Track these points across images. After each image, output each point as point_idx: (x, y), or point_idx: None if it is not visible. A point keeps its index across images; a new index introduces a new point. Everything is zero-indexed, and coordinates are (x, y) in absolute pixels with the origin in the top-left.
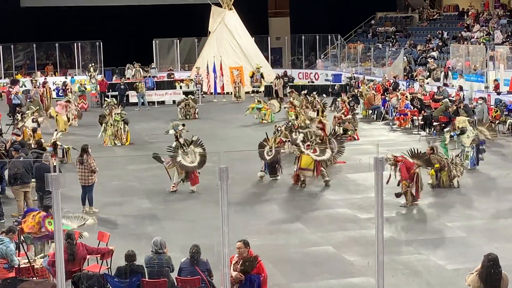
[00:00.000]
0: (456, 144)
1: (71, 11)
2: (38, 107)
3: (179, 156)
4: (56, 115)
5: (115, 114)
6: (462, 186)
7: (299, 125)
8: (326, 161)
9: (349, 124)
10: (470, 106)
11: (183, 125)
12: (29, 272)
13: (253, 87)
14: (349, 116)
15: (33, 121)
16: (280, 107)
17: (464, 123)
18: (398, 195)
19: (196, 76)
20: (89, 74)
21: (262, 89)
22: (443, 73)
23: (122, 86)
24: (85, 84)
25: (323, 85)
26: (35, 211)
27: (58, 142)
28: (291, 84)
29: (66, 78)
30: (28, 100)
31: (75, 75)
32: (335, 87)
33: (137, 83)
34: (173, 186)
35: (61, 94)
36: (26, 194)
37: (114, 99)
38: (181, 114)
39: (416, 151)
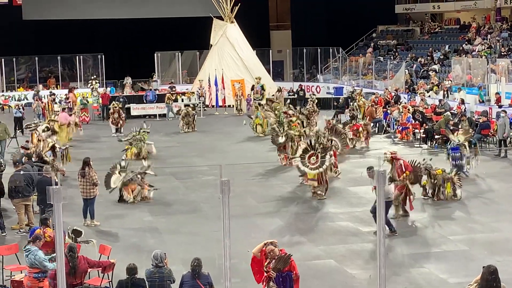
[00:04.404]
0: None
1: (73, 24)
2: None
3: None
4: (60, 126)
5: (143, 132)
6: (464, 199)
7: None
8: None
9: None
10: (473, 119)
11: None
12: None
13: (254, 99)
14: (350, 133)
15: (44, 131)
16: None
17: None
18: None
19: (199, 89)
20: (91, 87)
21: (264, 101)
22: (442, 91)
23: (121, 99)
24: (87, 97)
25: (325, 98)
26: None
27: (56, 145)
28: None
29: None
30: None
31: (77, 87)
32: (340, 100)
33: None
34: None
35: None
36: (27, 207)
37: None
38: (184, 124)
39: (411, 163)
